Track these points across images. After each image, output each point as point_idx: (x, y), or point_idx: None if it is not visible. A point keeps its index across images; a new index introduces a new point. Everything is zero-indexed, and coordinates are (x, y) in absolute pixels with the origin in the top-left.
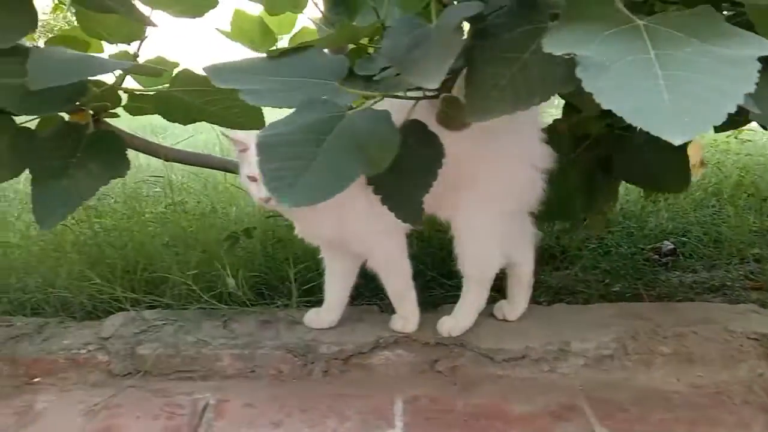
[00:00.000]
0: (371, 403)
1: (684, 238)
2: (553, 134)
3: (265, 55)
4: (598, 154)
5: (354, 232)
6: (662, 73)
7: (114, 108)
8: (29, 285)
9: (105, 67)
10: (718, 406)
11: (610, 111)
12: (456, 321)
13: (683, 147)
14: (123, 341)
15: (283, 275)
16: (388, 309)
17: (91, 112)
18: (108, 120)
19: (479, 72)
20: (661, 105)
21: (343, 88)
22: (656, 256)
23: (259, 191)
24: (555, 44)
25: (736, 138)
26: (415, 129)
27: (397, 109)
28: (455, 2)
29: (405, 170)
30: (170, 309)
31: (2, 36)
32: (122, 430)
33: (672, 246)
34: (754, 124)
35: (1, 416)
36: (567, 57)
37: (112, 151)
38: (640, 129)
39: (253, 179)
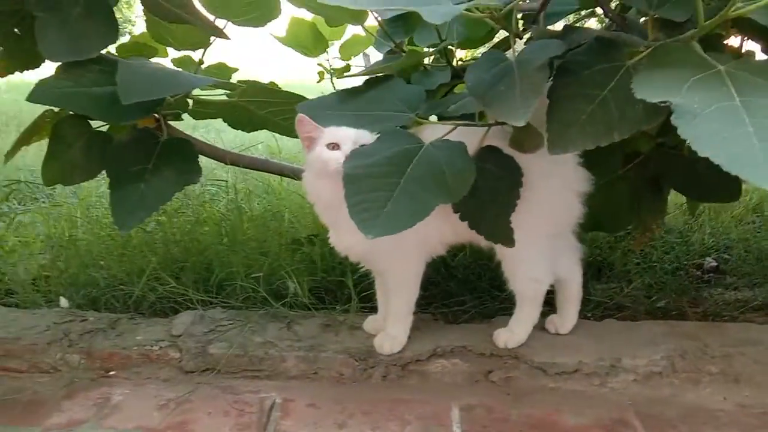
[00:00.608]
0: (429, 409)
1: (726, 255)
2: (601, 150)
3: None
4: (647, 171)
5: (379, 251)
6: (750, 120)
7: (179, 116)
8: (98, 281)
9: (192, 83)
10: (766, 427)
11: (663, 130)
12: (512, 334)
13: None
14: (194, 339)
15: (341, 281)
16: (443, 318)
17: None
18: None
19: (561, 107)
20: (753, 153)
21: (420, 121)
22: (698, 272)
23: (343, 152)
24: (647, 91)
25: None
26: (491, 154)
27: (469, 135)
28: (530, 35)
29: (487, 194)
30: (235, 310)
31: (88, 46)
32: (196, 425)
33: (715, 263)
34: None
35: (81, 407)
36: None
37: (185, 157)
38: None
39: (335, 147)
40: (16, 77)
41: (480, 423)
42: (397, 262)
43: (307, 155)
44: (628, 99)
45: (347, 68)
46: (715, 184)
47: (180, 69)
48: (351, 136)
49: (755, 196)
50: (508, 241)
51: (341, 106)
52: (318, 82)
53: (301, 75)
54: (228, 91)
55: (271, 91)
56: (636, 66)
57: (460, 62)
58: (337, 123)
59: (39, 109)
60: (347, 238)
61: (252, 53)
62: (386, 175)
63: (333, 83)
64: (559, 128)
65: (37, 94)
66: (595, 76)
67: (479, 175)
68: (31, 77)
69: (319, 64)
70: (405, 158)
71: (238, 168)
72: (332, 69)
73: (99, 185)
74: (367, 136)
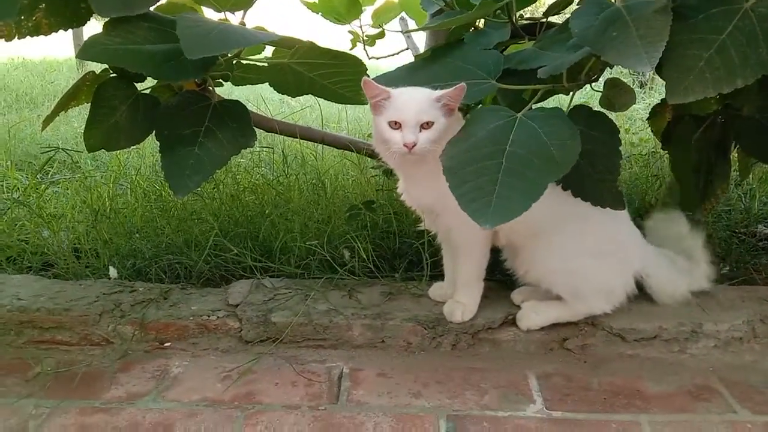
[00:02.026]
0: (505, 377)
1: None
2: (656, 117)
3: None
4: (715, 135)
5: (448, 205)
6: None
7: (228, 78)
8: (143, 251)
9: (257, 38)
10: None
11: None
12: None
13: None
14: (254, 308)
15: (399, 249)
16: (513, 285)
17: (196, 80)
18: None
19: (677, 53)
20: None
21: (503, 87)
22: (753, 240)
23: (403, 137)
24: None
25: None
26: (581, 114)
27: None
28: None
29: (587, 158)
30: (291, 278)
31: (139, 0)
32: (264, 396)
33: None
34: None
35: (139, 379)
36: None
37: (240, 120)
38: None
39: (396, 126)
40: (23, 53)
41: (561, 391)
42: (466, 219)
43: (374, 119)
44: (750, 42)
45: (381, 34)
46: None
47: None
48: (413, 114)
49: None
50: (619, 204)
51: (412, 79)
52: (350, 49)
53: (329, 43)
54: (269, 57)
55: (324, 52)
56: (755, 7)
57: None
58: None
59: (54, 86)
60: (415, 189)
61: (278, 21)
62: (486, 157)
63: (366, 51)
64: (677, 75)
65: (87, 51)
66: (711, 19)
67: None
68: (35, 54)
69: (351, 32)
70: (501, 135)
71: (275, 137)
72: (366, 36)
73: (130, 156)
74: (430, 108)
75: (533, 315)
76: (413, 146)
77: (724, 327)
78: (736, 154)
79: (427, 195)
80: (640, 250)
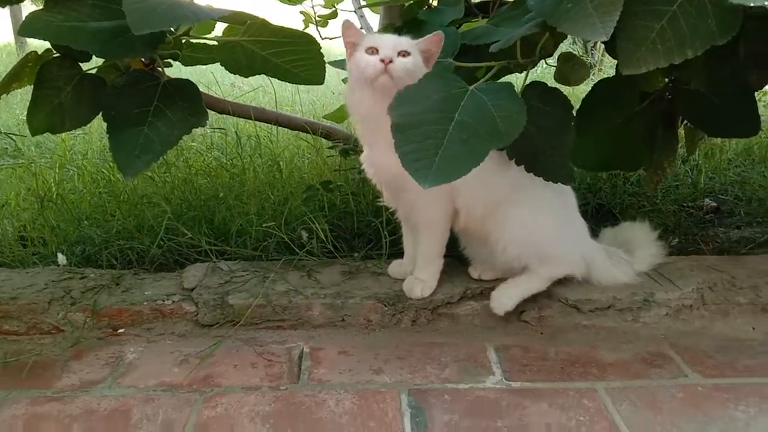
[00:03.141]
0: (465, 351)
1: (721, 196)
2: (620, 88)
3: None
4: (662, 108)
5: (414, 192)
6: None
7: (177, 57)
8: (93, 237)
9: (204, 13)
10: None
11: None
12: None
13: (752, 93)
14: (210, 291)
15: (357, 228)
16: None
17: (144, 60)
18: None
19: (629, 25)
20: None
21: (459, 65)
22: (700, 213)
23: (380, 55)
24: None
25: (760, 101)
26: (535, 90)
27: None
28: None
29: (538, 133)
30: (248, 261)
31: None
32: (223, 378)
33: (715, 204)
34: None
35: (92, 367)
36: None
37: (190, 99)
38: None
39: (374, 51)
40: None
41: (519, 362)
42: (428, 197)
43: (348, 63)
44: (699, 13)
45: (334, 14)
46: (733, 118)
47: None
48: (390, 42)
49: (742, 141)
50: (569, 179)
51: None
52: (303, 29)
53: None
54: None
55: (276, 30)
56: None
57: None
58: None
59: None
60: (382, 157)
61: (229, 3)
62: (434, 122)
63: (318, 31)
64: (629, 47)
65: (28, 27)
66: None
67: (528, 114)
68: None
69: (303, 12)
70: (451, 104)
71: (229, 120)
72: (318, 16)
73: (77, 141)
74: (408, 43)
75: (503, 297)
76: (389, 62)
77: (675, 296)
78: (682, 131)
79: (393, 164)
80: (586, 236)
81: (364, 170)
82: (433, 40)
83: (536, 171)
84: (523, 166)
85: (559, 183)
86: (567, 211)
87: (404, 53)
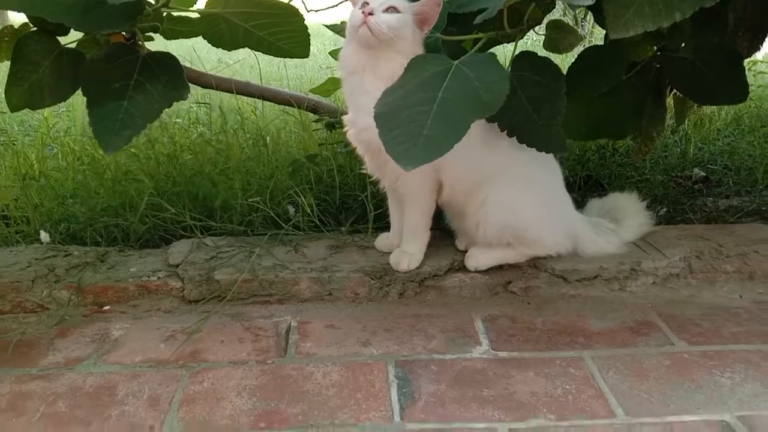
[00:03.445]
0: (452, 322)
1: (710, 166)
2: (604, 57)
3: None
4: (650, 77)
5: None
6: None
7: (158, 30)
8: (77, 214)
9: None
10: None
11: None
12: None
13: (740, 60)
14: (196, 267)
15: (343, 202)
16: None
17: (124, 34)
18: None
19: None
20: None
21: (446, 39)
22: (689, 183)
23: (358, 13)
24: None
25: (750, 70)
26: (526, 60)
27: None
28: None
29: (531, 103)
30: (234, 236)
31: None
32: (210, 354)
33: (704, 174)
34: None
35: (78, 344)
36: None
37: (171, 73)
38: (696, 48)
39: (365, 4)
40: None
41: (506, 332)
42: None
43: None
44: None
45: None
46: (722, 85)
47: None
48: None
49: (732, 111)
50: (561, 148)
51: None
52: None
53: None
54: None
55: (259, 1)
56: None
57: None
58: None
59: None
60: (363, 120)
61: None
62: (418, 103)
63: (304, 3)
64: (616, 10)
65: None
66: None
67: (518, 85)
68: None
69: None
70: (435, 83)
71: (214, 96)
72: None
73: (60, 118)
74: (401, 2)
75: (480, 255)
76: (369, 14)
77: (662, 264)
78: (672, 102)
79: (373, 126)
80: (571, 214)
81: (347, 134)
82: (430, 3)
83: (528, 141)
84: (510, 144)
85: (552, 153)
86: (552, 191)
87: (392, 9)
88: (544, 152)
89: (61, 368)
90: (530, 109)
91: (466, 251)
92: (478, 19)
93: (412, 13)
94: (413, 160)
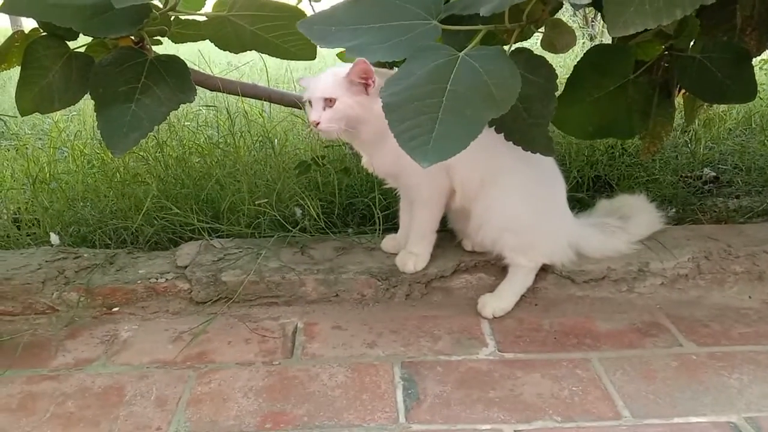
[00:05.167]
0: (458, 323)
1: (721, 166)
2: (613, 55)
3: None
4: (658, 76)
5: (406, 167)
6: None
7: (165, 34)
8: (87, 217)
9: None
10: None
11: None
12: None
13: (748, 58)
14: (204, 269)
15: (350, 204)
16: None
17: (133, 38)
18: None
19: None
20: None
21: (447, 29)
22: (699, 183)
23: (314, 116)
24: None
25: (761, 68)
26: (520, 57)
27: None
28: None
29: (521, 101)
30: (241, 238)
31: None
32: (217, 355)
33: (714, 174)
34: None
35: (87, 345)
36: None
37: (177, 75)
38: (704, 46)
39: (309, 102)
40: None
41: (513, 333)
42: (424, 179)
43: None
44: None
45: None
46: (730, 84)
47: None
48: (319, 91)
49: (742, 110)
50: (549, 150)
51: (347, 20)
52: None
53: None
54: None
55: (264, 3)
56: None
57: None
58: (347, 40)
59: None
60: (376, 161)
61: None
62: (426, 95)
63: (312, 5)
64: (617, 8)
65: (11, 4)
66: None
67: None
68: None
69: None
70: (442, 74)
71: (222, 99)
72: None
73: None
74: (334, 84)
75: (493, 301)
76: (317, 124)
77: (670, 265)
78: (682, 101)
79: (387, 163)
80: (570, 218)
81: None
82: (356, 69)
83: (515, 139)
84: (512, 149)
85: (540, 154)
86: (553, 199)
87: (329, 102)
88: (530, 152)
89: (70, 369)
90: (520, 107)
91: (473, 252)
92: (487, 12)
93: (347, 89)
94: (429, 157)
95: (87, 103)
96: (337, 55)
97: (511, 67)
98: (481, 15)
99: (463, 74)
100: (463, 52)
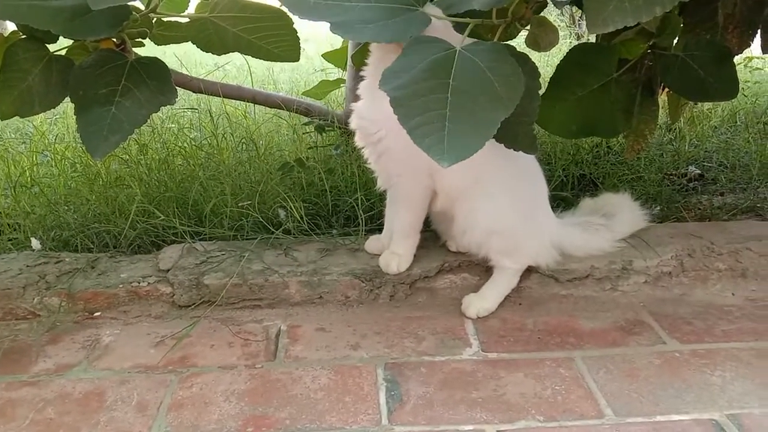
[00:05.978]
0: (442, 324)
1: (705, 164)
2: (596, 53)
3: None
4: (641, 75)
5: (394, 159)
6: None
7: (146, 36)
8: (68, 221)
9: None
10: None
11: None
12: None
13: (730, 56)
14: (186, 272)
15: (334, 205)
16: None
17: (114, 40)
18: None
19: None
20: None
21: (433, 15)
22: (684, 181)
23: None
24: None
25: (745, 66)
26: None
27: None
28: None
29: None
30: (224, 241)
31: None
32: (200, 359)
33: (699, 172)
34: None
35: (68, 351)
36: None
37: (158, 77)
38: (686, 45)
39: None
40: None
41: (496, 333)
42: (408, 175)
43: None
44: None
45: None
46: (712, 82)
47: None
48: None
49: (727, 107)
50: (532, 148)
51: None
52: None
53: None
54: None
55: (246, 5)
56: None
57: None
58: (331, 16)
59: None
60: (366, 107)
61: None
62: (430, 90)
63: None
64: (596, 6)
65: None
66: None
67: None
68: None
69: None
70: (442, 69)
71: (206, 101)
72: None
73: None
74: None
75: (477, 300)
76: None
77: (654, 263)
78: (666, 98)
79: (374, 112)
80: (553, 219)
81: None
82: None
83: (498, 137)
84: (496, 151)
85: (524, 153)
86: (535, 200)
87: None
88: (513, 150)
89: (51, 375)
90: None
91: (458, 252)
92: (484, 6)
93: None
94: (448, 156)
95: (70, 106)
96: (322, 55)
97: (512, 64)
98: (476, 9)
99: (465, 70)
100: (459, 46)
